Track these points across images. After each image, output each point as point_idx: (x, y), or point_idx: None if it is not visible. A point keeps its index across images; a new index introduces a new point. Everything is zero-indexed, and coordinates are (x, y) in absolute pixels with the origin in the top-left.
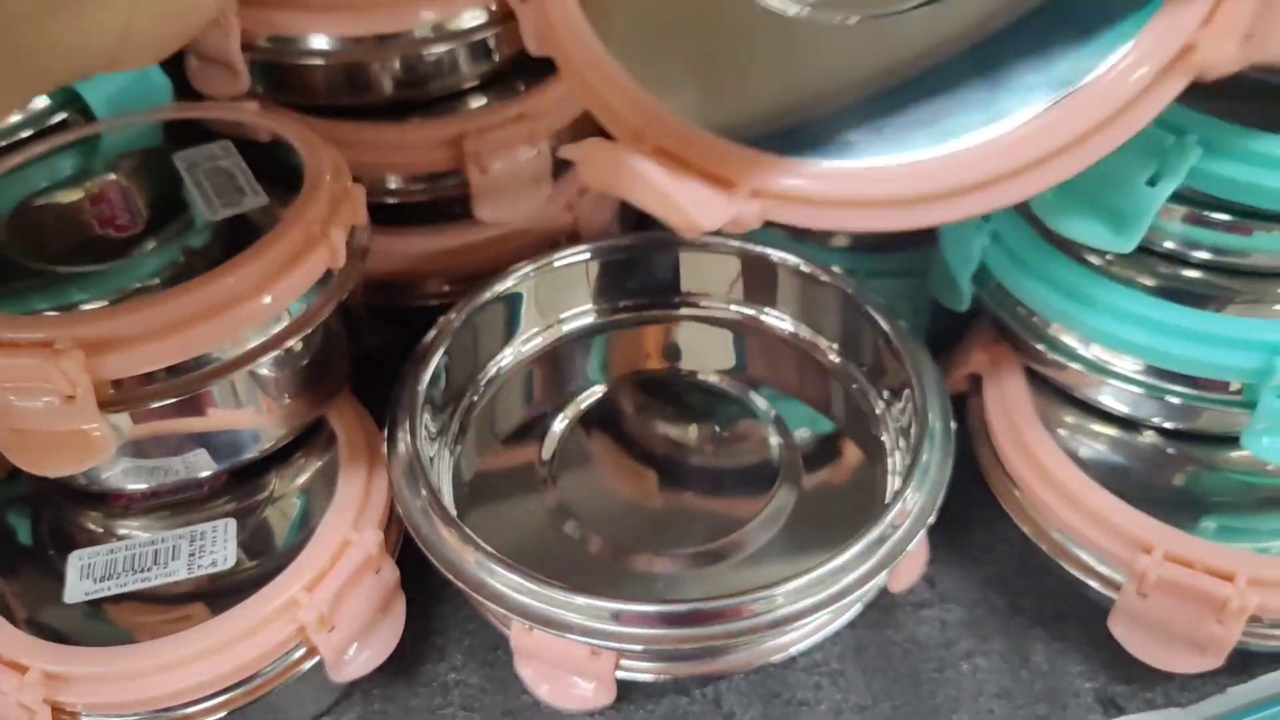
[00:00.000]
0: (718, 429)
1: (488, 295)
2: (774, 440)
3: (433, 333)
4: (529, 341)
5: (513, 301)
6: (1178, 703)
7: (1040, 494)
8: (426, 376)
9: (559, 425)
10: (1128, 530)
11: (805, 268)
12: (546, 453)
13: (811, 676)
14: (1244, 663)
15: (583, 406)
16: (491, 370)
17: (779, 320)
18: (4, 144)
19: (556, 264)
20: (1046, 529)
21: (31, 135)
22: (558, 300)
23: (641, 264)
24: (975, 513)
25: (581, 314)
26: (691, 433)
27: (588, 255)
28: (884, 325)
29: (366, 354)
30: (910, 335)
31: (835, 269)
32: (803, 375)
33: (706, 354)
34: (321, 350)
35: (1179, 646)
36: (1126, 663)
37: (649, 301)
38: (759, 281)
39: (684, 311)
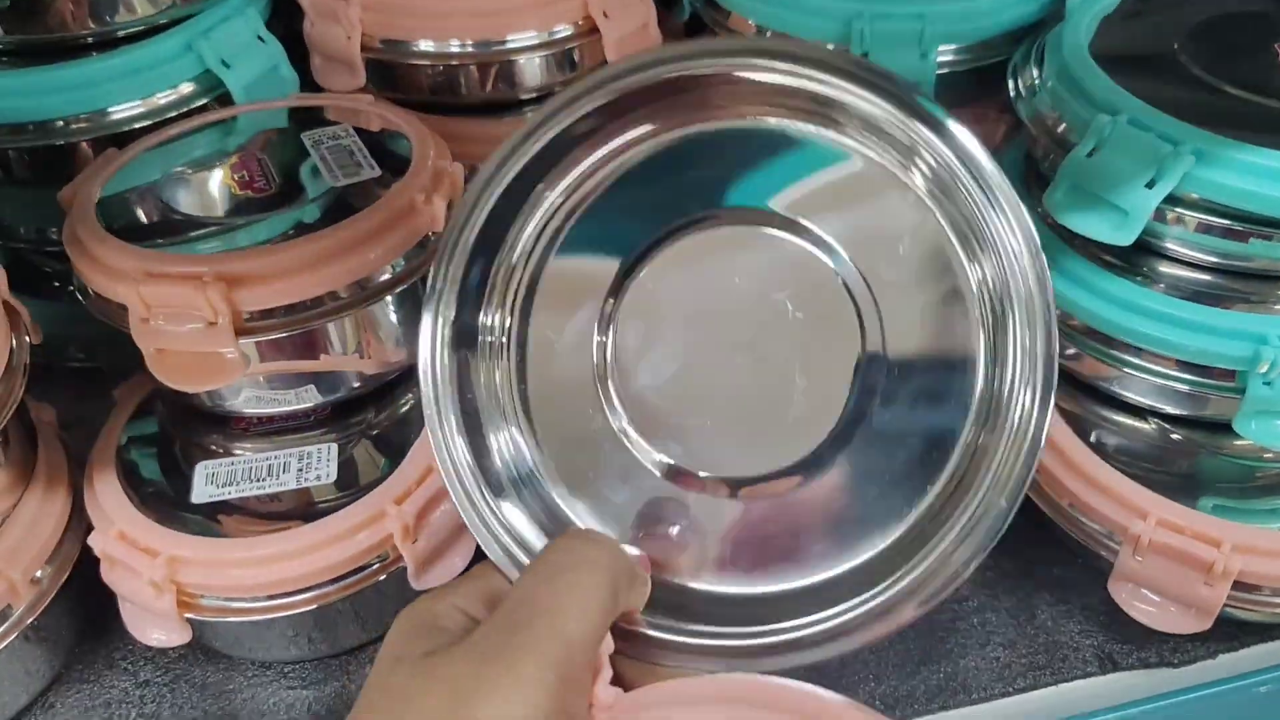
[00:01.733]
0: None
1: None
2: (861, 328)
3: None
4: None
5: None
6: (1170, 663)
7: (1053, 469)
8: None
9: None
10: (1127, 499)
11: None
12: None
13: None
14: (1236, 632)
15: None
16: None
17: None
18: (154, 122)
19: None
20: (1058, 501)
21: (177, 115)
22: None
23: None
24: None
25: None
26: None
27: None
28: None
29: None
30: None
31: None
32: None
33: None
34: (417, 306)
35: (1171, 607)
36: (1125, 625)
37: None
38: None
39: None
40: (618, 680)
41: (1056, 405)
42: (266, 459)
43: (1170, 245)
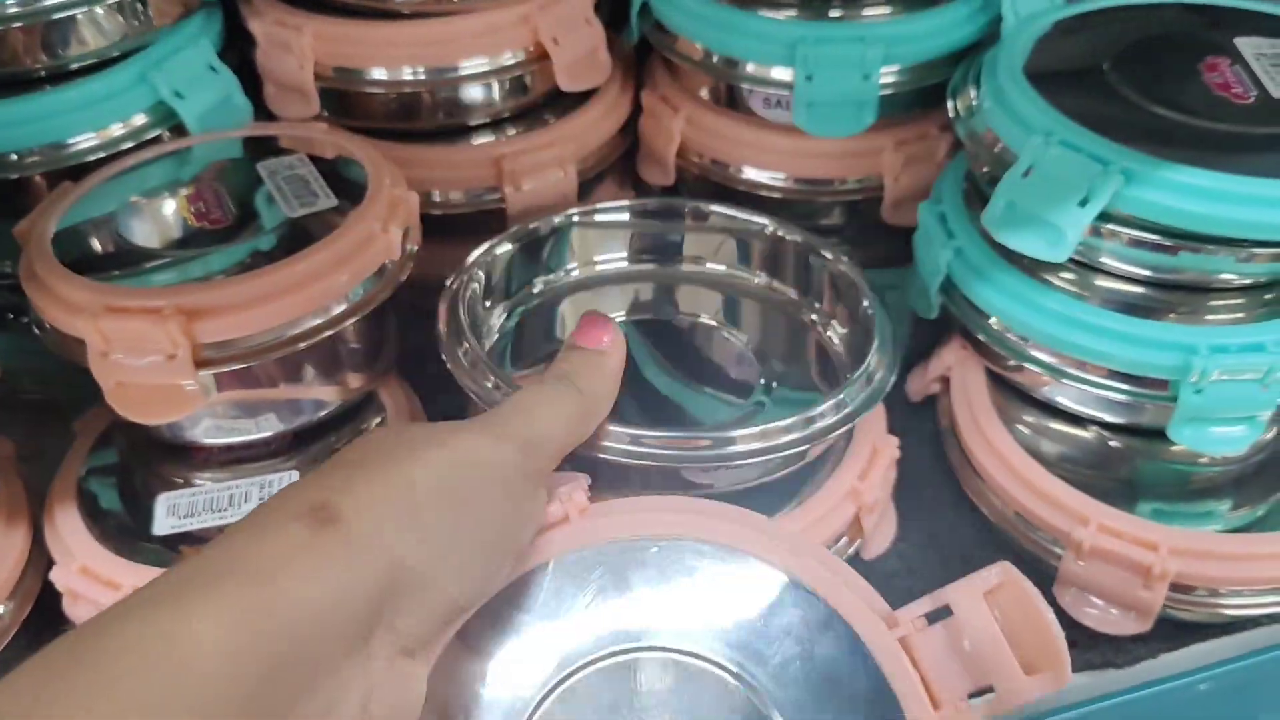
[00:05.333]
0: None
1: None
2: (748, 362)
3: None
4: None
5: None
6: (1115, 664)
7: (998, 479)
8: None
9: None
10: (1069, 507)
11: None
12: None
13: None
14: (1177, 633)
15: None
16: (537, 287)
17: (755, 277)
18: (109, 154)
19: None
20: (1004, 510)
21: (132, 147)
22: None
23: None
24: (942, 498)
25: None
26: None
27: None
28: (835, 268)
29: (409, 348)
30: (857, 271)
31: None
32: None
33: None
34: (375, 334)
35: (1113, 610)
36: (1070, 627)
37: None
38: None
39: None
40: None
41: (1001, 417)
42: (228, 489)
43: (1104, 260)
